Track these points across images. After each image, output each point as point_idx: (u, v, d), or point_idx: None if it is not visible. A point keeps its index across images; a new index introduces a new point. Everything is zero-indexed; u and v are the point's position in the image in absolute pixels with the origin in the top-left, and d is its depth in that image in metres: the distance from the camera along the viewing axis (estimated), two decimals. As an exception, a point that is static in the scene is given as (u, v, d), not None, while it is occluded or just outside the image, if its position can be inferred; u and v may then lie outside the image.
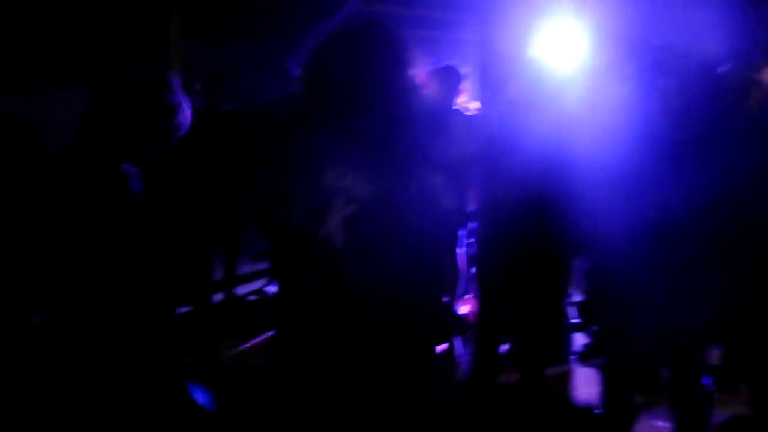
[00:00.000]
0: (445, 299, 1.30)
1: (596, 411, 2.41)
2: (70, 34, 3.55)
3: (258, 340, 3.50)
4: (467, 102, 3.96)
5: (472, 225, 2.77)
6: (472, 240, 3.16)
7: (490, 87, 3.78)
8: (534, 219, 2.34)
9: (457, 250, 3.51)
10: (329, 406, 1.25)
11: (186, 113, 1.76)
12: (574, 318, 3.61)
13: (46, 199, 1.66)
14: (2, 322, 2.12)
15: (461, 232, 3.37)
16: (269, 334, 3.52)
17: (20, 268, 1.82)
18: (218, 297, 4.09)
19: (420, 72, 1.24)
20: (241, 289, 4.30)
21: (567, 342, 3.35)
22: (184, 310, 3.92)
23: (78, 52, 3.36)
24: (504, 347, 3.26)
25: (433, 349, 1.26)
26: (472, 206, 3.43)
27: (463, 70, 3.87)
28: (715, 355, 2.66)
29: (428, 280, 1.21)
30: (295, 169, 1.36)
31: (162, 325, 1.88)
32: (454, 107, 3.68)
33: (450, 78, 3.67)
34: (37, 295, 1.84)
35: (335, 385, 1.24)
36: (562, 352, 3.27)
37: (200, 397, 1.39)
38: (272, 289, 4.28)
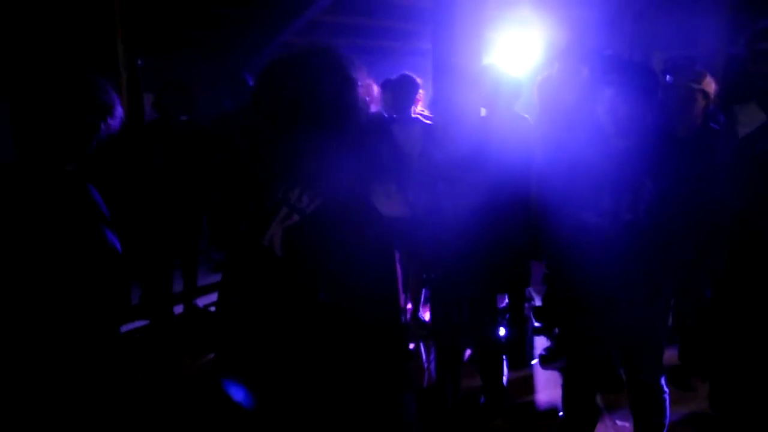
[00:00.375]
0: (395, 310, 1.31)
1: (559, 413, 2.46)
2: (11, 44, 3.48)
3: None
4: (424, 110, 4.02)
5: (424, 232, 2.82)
6: (425, 247, 3.21)
7: (446, 95, 3.83)
8: (492, 223, 2.38)
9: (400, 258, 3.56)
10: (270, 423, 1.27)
11: (117, 113, 1.74)
12: (535, 322, 3.69)
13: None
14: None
15: (412, 240, 3.42)
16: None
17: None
18: (178, 309, 4.04)
19: (371, 86, 1.27)
20: (201, 301, 4.25)
21: (529, 346, 3.42)
22: (143, 323, 3.87)
23: (17, 61, 3.29)
24: (466, 352, 3.32)
25: (388, 361, 1.27)
26: (423, 212, 3.48)
27: (420, 79, 3.94)
28: (671, 355, 2.75)
29: (371, 289, 1.22)
30: (245, 182, 1.38)
31: (109, 339, 1.85)
32: (411, 115, 3.73)
33: (407, 86, 3.72)
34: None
35: (272, 401, 1.25)
36: (523, 356, 3.34)
37: (236, 394, 1.37)
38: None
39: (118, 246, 1.70)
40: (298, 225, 1.19)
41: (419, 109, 3.99)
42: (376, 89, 1.28)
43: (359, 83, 1.23)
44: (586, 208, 2.00)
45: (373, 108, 1.27)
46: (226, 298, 1.34)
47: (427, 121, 3.77)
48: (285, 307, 1.19)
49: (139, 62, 3.22)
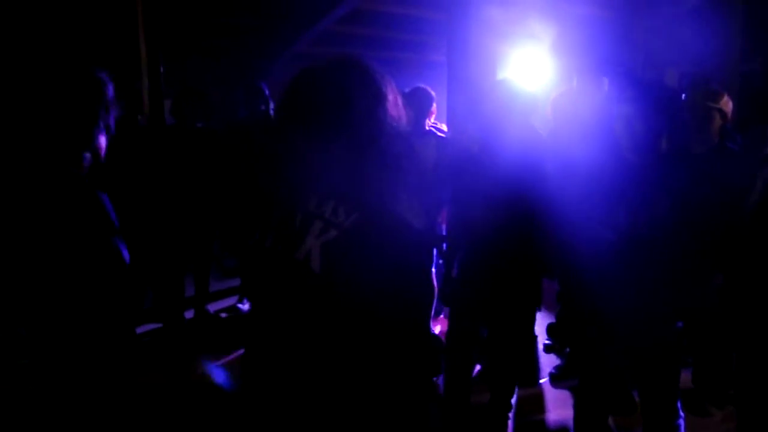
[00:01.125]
0: (426, 323, 1.33)
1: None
2: (40, 51, 3.55)
3: (230, 357, 3.48)
4: (437, 123, 4.04)
5: (442, 245, 2.82)
6: (442, 260, 3.21)
7: (460, 108, 3.86)
8: (506, 240, 2.38)
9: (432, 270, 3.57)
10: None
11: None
12: (546, 340, 3.68)
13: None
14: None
15: (434, 253, 3.43)
16: (241, 351, 3.51)
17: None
18: (189, 314, 4.06)
19: (399, 99, 1.29)
20: (212, 306, 4.27)
21: (538, 364, 3.40)
22: (155, 326, 3.89)
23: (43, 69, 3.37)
24: (476, 368, 3.30)
25: (418, 373, 1.28)
26: (443, 226, 3.48)
27: (434, 92, 3.97)
28: (685, 378, 2.73)
29: (408, 303, 1.23)
30: (268, 193, 1.38)
31: (119, 342, 1.87)
32: (425, 128, 3.75)
33: (421, 99, 3.74)
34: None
35: (306, 410, 1.25)
36: (534, 374, 3.32)
37: (219, 377, 1.39)
38: (244, 306, 4.27)
39: (126, 254, 1.70)
40: (336, 240, 1.19)
41: (432, 122, 4.01)
42: (401, 104, 1.29)
43: (389, 96, 1.24)
44: (601, 224, 2.01)
45: (402, 121, 1.28)
46: (258, 312, 1.34)
47: (441, 134, 3.79)
48: (322, 321, 1.19)
49: (161, 69, 3.27)
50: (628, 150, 2.02)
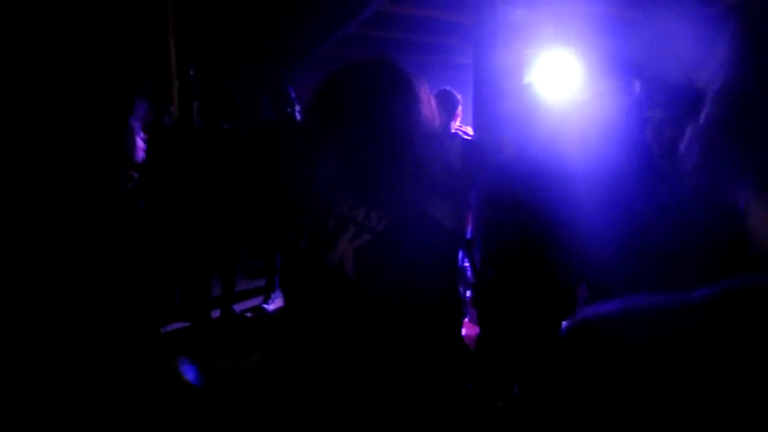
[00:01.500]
0: (458, 328, 1.33)
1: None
2: (74, 56, 3.65)
3: (255, 357, 3.52)
4: (462, 126, 4.04)
5: (469, 249, 2.82)
6: (467, 264, 3.20)
7: (485, 111, 3.85)
8: (534, 244, 2.38)
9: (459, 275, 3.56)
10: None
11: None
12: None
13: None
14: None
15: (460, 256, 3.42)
16: (265, 351, 3.54)
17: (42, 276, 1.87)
18: (216, 313, 4.11)
19: (432, 101, 1.29)
20: (238, 306, 4.32)
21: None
22: (181, 325, 3.95)
23: (84, 73, 3.46)
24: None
25: (451, 378, 1.29)
26: (469, 230, 3.48)
27: (459, 94, 3.97)
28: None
29: (440, 307, 1.24)
30: (300, 196, 1.39)
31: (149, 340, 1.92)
32: (451, 131, 3.75)
33: (447, 102, 3.75)
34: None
35: (338, 411, 1.27)
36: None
37: (189, 373, 1.42)
38: (269, 307, 4.31)
39: (160, 257, 1.75)
40: (369, 244, 1.20)
41: (457, 125, 4.01)
42: (435, 106, 1.30)
43: (423, 97, 1.25)
44: (635, 233, 2.00)
45: (436, 122, 1.29)
46: (292, 313, 1.35)
47: (467, 137, 3.79)
48: (355, 325, 1.21)
49: (191, 72, 3.33)
50: (660, 157, 2.00)
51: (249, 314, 4.25)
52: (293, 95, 4.29)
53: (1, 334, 2.61)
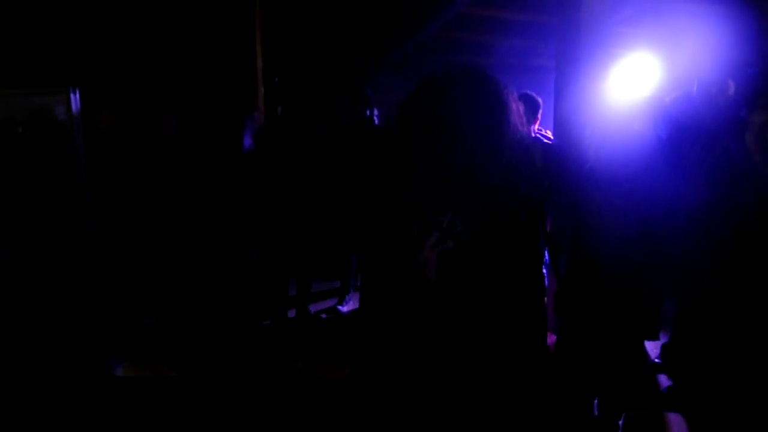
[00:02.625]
0: (543, 335, 1.30)
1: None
2: (172, 71, 3.88)
3: (330, 357, 3.57)
4: (542, 129, 3.95)
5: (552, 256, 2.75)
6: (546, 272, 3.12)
7: (568, 115, 3.75)
8: (622, 255, 2.28)
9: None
10: None
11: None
12: (656, 359, 3.48)
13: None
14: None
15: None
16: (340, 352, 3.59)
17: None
18: (291, 313, 4.21)
19: (520, 108, 1.28)
20: (314, 307, 4.40)
21: (651, 384, 3.22)
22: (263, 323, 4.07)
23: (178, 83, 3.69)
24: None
25: (533, 385, 1.27)
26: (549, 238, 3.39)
27: (540, 97, 3.89)
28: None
29: (523, 316, 1.22)
30: (386, 201, 1.41)
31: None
32: (532, 135, 3.67)
33: (528, 105, 3.67)
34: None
35: (417, 412, 1.26)
36: (645, 394, 3.14)
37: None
38: (344, 308, 4.37)
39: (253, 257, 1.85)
40: (453, 251, 1.20)
41: (537, 128, 3.93)
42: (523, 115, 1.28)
43: (512, 106, 1.23)
44: (724, 243, 1.89)
45: (524, 129, 1.27)
46: (372, 314, 1.37)
47: (547, 141, 3.70)
48: (436, 329, 1.21)
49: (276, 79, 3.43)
50: (761, 164, 1.87)
51: (324, 315, 4.32)
52: (371, 96, 4.32)
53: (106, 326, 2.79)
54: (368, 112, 4.26)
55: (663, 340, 3.57)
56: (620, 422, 2.62)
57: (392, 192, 1.42)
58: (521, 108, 1.29)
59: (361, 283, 1.48)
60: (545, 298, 1.69)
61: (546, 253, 2.95)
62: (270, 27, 3.56)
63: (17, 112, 3.62)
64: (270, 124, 3.44)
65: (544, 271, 2.99)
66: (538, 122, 3.92)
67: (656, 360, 3.45)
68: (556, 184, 2.67)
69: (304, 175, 3.91)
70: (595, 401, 2.67)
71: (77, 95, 3.52)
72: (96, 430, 2.52)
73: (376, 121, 4.25)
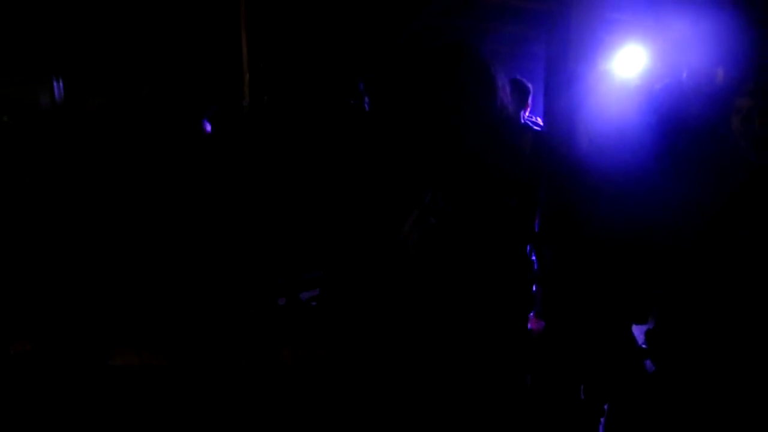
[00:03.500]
0: (523, 314, 1.29)
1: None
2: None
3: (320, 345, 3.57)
4: (533, 117, 3.94)
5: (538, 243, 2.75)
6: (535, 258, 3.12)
7: (558, 102, 3.73)
8: (610, 243, 2.28)
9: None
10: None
11: None
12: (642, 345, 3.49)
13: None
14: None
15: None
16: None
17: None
18: (281, 301, 4.20)
19: (506, 87, 1.26)
20: (304, 294, 4.40)
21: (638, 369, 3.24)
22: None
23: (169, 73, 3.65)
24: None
25: (512, 369, 1.26)
26: (537, 224, 3.39)
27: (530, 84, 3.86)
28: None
29: (504, 296, 1.21)
30: (366, 180, 1.40)
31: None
32: (522, 121, 3.66)
33: (518, 91, 3.65)
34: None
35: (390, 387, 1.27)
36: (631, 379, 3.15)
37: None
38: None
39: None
40: (434, 228, 1.20)
41: (527, 116, 3.91)
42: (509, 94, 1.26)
43: (499, 83, 1.22)
44: (716, 229, 1.88)
45: (510, 108, 1.25)
46: (346, 286, 1.37)
47: (537, 128, 3.69)
48: (414, 306, 1.21)
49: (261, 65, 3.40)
50: (746, 150, 1.87)
51: (314, 303, 4.31)
52: (360, 85, 4.28)
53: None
54: (356, 101, 4.23)
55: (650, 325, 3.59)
56: (606, 407, 2.63)
57: (375, 172, 1.41)
58: (508, 89, 1.27)
59: (333, 261, 1.48)
60: (533, 284, 1.69)
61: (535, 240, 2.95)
62: (256, 13, 3.51)
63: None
64: (255, 112, 3.41)
65: (534, 258, 3.00)
66: (528, 109, 3.91)
67: (643, 345, 3.47)
68: (546, 170, 2.66)
69: (287, 164, 3.88)
70: (582, 386, 2.68)
71: (60, 84, 3.48)
72: (88, 420, 2.52)
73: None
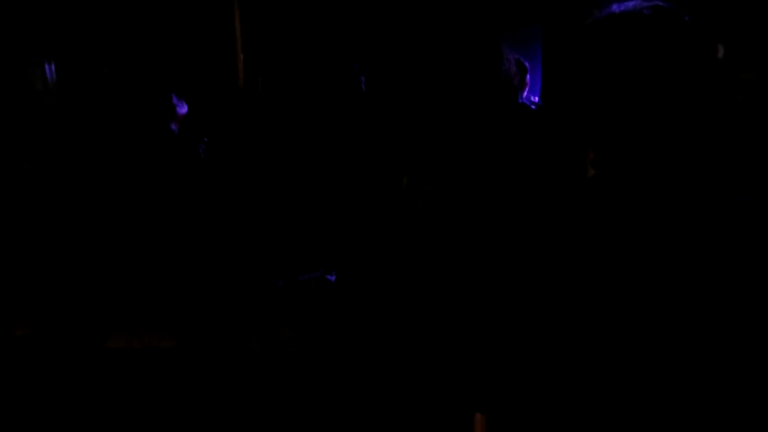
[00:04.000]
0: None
1: None
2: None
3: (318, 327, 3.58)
4: (531, 96, 3.92)
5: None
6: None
7: (554, 80, 3.71)
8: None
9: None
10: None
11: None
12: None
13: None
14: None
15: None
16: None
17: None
18: (279, 283, 4.19)
19: (512, 63, 1.25)
20: (303, 276, 4.39)
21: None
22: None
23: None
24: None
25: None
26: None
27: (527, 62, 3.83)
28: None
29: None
30: (369, 159, 1.39)
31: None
32: (520, 101, 3.64)
33: (518, 71, 3.63)
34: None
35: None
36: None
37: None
38: (332, 277, 4.35)
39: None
40: (432, 195, 1.20)
41: (525, 95, 3.89)
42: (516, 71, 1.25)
43: (506, 59, 1.20)
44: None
45: (515, 80, 1.24)
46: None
47: (534, 108, 3.67)
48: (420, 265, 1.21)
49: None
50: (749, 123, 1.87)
51: (312, 285, 4.30)
52: (356, 67, 4.24)
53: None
54: (351, 81, 4.20)
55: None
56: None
57: (377, 151, 1.40)
58: (513, 63, 1.26)
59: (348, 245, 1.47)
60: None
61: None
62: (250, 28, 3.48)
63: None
64: (250, 94, 3.38)
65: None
66: (526, 88, 3.88)
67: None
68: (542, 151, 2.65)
69: (285, 148, 3.86)
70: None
71: (53, 66, 3.43)
72: (89, 401, 2.52)
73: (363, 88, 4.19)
